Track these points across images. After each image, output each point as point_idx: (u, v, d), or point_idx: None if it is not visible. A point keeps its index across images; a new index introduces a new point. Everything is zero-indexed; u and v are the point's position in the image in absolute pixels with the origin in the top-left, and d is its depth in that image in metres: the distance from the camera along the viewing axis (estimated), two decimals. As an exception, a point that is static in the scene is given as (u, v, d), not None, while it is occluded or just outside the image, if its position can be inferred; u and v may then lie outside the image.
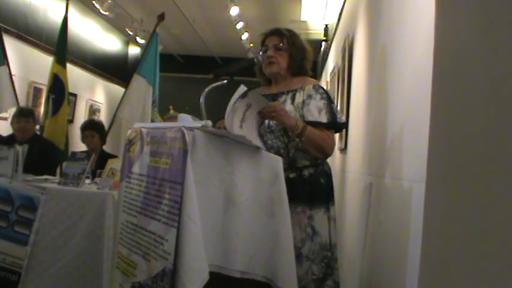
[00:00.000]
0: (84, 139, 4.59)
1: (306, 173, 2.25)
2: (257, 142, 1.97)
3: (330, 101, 2.31)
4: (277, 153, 2.20)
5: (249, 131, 1.99)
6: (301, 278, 2.09)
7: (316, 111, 2.23)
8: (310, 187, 2.24)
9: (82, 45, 9.37)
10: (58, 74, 5.53)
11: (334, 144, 2.30)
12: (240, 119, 1.96)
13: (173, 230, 1.63)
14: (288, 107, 2.26)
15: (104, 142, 4.69)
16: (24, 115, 4.53)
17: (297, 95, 2.29)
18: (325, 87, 2.44)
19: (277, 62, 2.31)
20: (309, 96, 2.28)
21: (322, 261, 2.22)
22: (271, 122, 2.24)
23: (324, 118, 2.24)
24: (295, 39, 2.35)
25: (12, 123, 4.58)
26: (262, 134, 2.25)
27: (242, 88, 1.97)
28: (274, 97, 2.33)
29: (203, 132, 1.71)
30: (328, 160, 2.41)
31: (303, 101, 2.26)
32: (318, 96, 2.28)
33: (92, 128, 4.65)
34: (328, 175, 2.33)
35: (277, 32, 2.36)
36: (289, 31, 2.37)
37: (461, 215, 1.06)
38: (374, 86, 2.71)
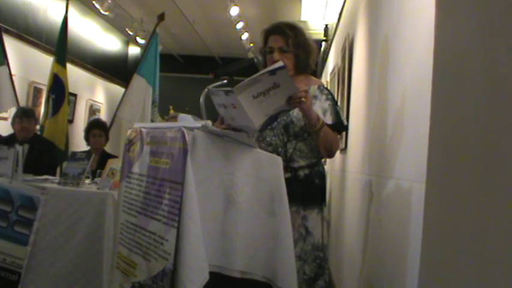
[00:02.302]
0: (90, 138, 4.57)
1: (301, 173, 2.25)
2: (260, 121, 1.94)
3: (334, 102, 2.31)
4: (275, 150, 2.21)
5: (262, 107, 1.93)
6: None
7: (321, 112, 2.23)
8: (305, 188, 2.24)
9: (82, 45, 9.37)
10: (58, 74, 5.53)
11: (339, 146, 2.30)
12: (259, 91, 1.90)
13: (173, 230, 1.63)
14: None
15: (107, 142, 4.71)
16: (26, 115, 4.54)
17: None
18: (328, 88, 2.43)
19: None
20: (314, 97, 2.27)
21: (314, 261, 2.23)
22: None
23: (329, 120, 2.23)
24: (300, 39, 2.31)
25: (13, 123, 4.57)
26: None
27: (279, 63, 1.94)
28: None
29: (203, 132, 1.71)
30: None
31: None
32: (323, 97, 2.28)
33: (101, 127, 4.66)
34: (323, 176, 2.35)
35: (280, 31, 2.31)
36: (293, 29, 2.32)
37: (461, 215, 1.06)
38: (374, 86, 2.71)
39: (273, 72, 1.92)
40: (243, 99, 1.86)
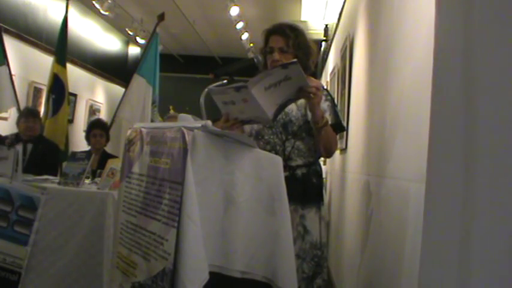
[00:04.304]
0: (91, 138, 4.57)
1: (299, 172, 2.26)
2: (272, 110, 1.97)
3: (333, 103, 2.32)
4: (273, 149, 2.23)
5: (273, 98, 1.96)
6: None
7: None
8: (303, 186, 2.26)
9: (82, 45, 9.38)
10: (58, 74, 5.54)
11: (337, 146, 2.31)
12: (270, 83, 1.93)
13: (173, 230, 1.63)
14: (291, 106, 2.26)
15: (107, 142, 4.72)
16: (32, 115, 4.61)
17: None
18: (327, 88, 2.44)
19: None
20: None
21: (312, 259, 2.24)
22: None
23: (328, 120, 2.24)
24: (300, 40, 2.30)
25: (18, 123, 4.59)
26: (261, 130, 2.26)
27: (294, 61, 1.98)
28: None
29: (203, 132, 1.71)
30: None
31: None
32: (323, 98, 2.28)
33: (102, 127, 4.66)
34: (320, 175, 2.36)
35: (281, 32, 2.30)
36: (294, 30, 2.32)
37: (461, 215, 1.07)
38: (374, 86, 2.71)
39: (285, 66, 1.96)
40: (256, 92, 1.89)
